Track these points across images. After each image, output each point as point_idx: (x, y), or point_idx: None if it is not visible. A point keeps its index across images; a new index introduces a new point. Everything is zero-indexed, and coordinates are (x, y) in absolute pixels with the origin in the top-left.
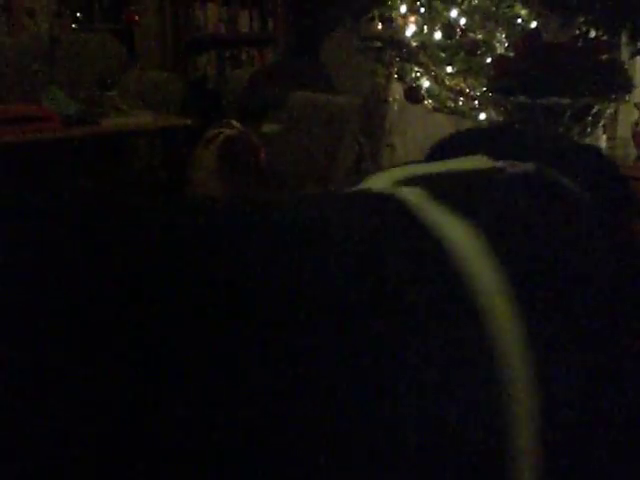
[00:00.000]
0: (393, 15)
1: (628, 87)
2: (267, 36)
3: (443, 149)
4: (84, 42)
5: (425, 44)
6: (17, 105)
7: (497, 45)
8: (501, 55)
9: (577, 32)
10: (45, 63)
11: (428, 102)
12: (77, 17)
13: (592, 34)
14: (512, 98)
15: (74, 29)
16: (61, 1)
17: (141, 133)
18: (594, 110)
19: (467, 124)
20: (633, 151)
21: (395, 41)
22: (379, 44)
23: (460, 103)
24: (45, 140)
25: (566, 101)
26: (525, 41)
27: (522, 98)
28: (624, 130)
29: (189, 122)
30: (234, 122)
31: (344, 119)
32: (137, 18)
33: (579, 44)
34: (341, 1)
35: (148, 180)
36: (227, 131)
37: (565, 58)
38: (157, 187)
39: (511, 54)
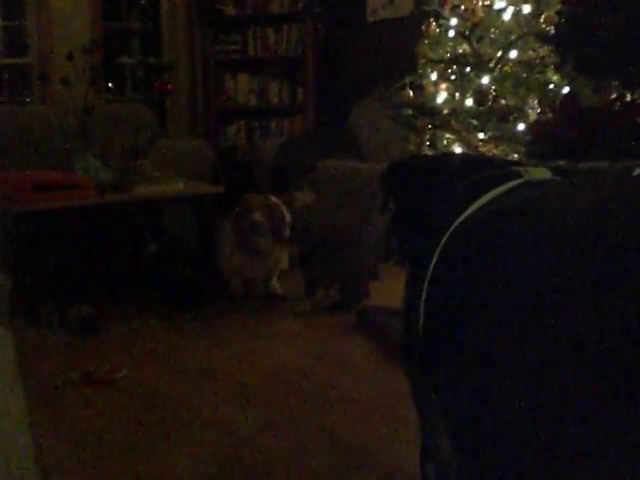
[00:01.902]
0: (424, 83)
1: None
2: (296, 106)
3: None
4: (117, 111)
5: (457, 111)
6: (52, 172)
7: (529, 111)
8: (538, 120)
9: (613, 96)
10: (79, 131)
11: None
12: (109, 87)
13: (628, 97)
14: (551, 163)
15: (106, 98)
16: (95, 71)
17: (173, 200)
18: (635, 173)
19: None
20: None
21: (427, 108)
22: (410, 111)
23: None
24: (80, 207)
25: (605, 164)
26: (563, 105)
27: (561, 162)
28: None
29: (222, 190)
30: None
31: (373, 186)
32: (170, 87)
33: (616, 107)
34: (372, 70)
35: (179, 247)
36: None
37: (603, 121)
38: (188, 253)
39: (546, 119)
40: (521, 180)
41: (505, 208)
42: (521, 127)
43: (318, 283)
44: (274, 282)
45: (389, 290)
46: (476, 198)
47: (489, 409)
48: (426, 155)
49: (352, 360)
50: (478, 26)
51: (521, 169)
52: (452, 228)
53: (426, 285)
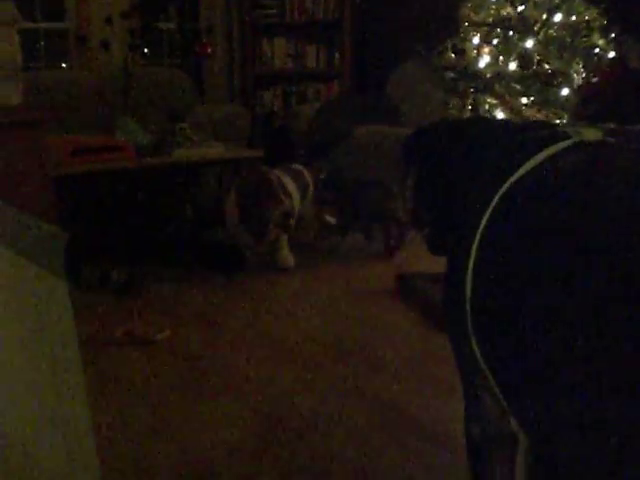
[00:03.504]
0: (466, 46)
1: None
2: (333, 71)
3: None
4: (155, 76)
5: (500, 75)
6: (92, 136)
7: (574, 75)
8: (586, 83)
9: None
10: (118, 96)
11: None
12: (144, 52)
13: None
14: (602, 125)
15: (143, 63)
16: (134, 35)
17: (212, 164)
18: None
19: None
20: None
21: (469, 72)
22: (452, 75)
23: None
24: (120, 170)
25: None
26: (610, 69)
27: (611, 125)
28: None
29: (261, 154)
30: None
31: None
32: (210, 49)
33: None
34: (410, 34)
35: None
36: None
37: None
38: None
39: (594, 81)
40: (573, 140)
41: (566, 168)
42: (565, 92)
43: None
44: (284, 253)
45: (428, 256)
46: (526, 159)
47: (556, 376)
48: (455, 119)
49: (392, 324)
50: None
51: (569, 129)
52: (503, 190)
53: (475, 250)
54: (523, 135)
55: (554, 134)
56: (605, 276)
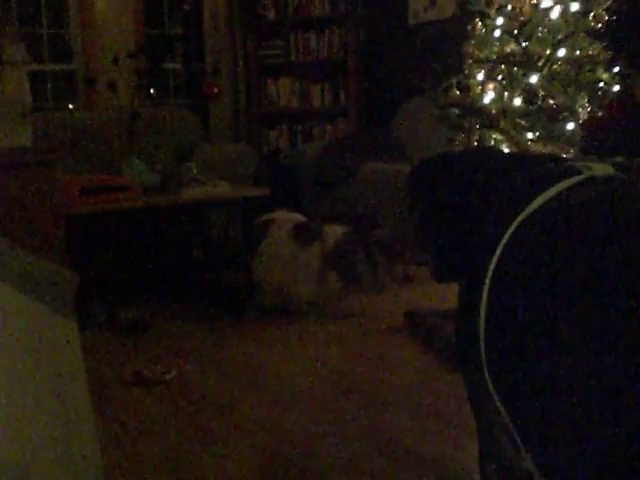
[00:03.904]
0: (471, 83)
1: None
2: (339, 109)
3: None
4: (161, 115)
5: (505, 110)
6: (100, 176)
7: (579, 110)
8: (592, 117)
9: None
10: (125, 136)
11: None
12: (151, 93)
13: None
14: (610, 159)
15: (150, 104)
16: (141, 75)
17: (219, 203)
18: None
19: None
20: None
21: (474, 108)
22: (457, 112)
23: None
24: (127, 210)
25: None
26: (617, 102)
27: (618, 159)
28: None
29: (267, 192)
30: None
31: None
32: (217, 89)
33: None
34: (414, 72)
35: (224, 250)
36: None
37: None
38: (233, 256)
39: (600, 115)
40: (584, 176)
41: (578, 204)
42: (571, 126)
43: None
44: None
45: (436, 292)
46: (537, 194)
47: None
48: (456, 151)
49: (400, 361)
50: (526, 25)
51: (579, 164)
52: (514, 226)
53: (487, 286)
54: (534, 169)
55: (565, 169)
56: (621, 315)
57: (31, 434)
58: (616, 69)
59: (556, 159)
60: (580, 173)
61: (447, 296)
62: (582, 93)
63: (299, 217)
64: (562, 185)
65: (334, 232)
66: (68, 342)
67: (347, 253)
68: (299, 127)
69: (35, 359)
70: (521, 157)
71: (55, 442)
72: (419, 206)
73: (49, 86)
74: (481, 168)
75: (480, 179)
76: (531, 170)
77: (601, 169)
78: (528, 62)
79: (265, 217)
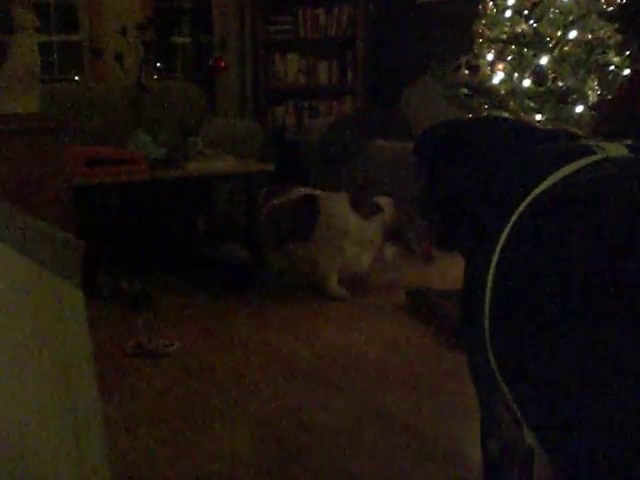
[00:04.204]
0: (480, 63)
1: None
2: (346, 87)
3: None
4: (168, 89)
5: (514, 91)
6: (105, 147)
7: (589, 93)
8: (603, 99)
9: None
10: (131, 108)
11: None
12: (158, 66)
13: None
14: (621, 141)
15: (157, 77)
16: (148, 48)
17: (224, 177)
18: None
19: None
20: None
21: (483, 88)
22: (466, 91)
23: None
24: (132, 182)
25: None
26: (630, 84)
27: (630, 142)
28: None
29: (272, 167)
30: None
31: None
32: (224, 63)
33: None
34: (423, 51)
35: (228, 224)
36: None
37: None
38: (237, 231)
39: (612, 97)
40: (598, 156)
41: (593, 184)
42: (580, 109)
43: None
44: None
45: (438, 272)
46: (551, 172)
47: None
48: (468, 120)
49: (403, 341)
50: (537, 5)
51: (592, 143)
52: (525, 204)
53: (494, 265)
54: (549, 146)
55: (581, 148)
56: (635, 293)
57: (33, 403)
58: (627, 52)
59: (569, 136)
60: (594, 153)
61: (449, 275)
62: (592, 76)
63: (341, 193)
64: (577, 164)
65: (388, 204)
66: (74, 308)
67: (403, 224)
68: (305, 104)
69: (40, 324)
70: (534, 130)
71: (58, 410)
72: (424, 172)
73: (55, 57)
74: (492, 138)
75: (494, 149)
76: (545, 146)
77: (615, 150)
78: (538, 43)
79: (295, 195)
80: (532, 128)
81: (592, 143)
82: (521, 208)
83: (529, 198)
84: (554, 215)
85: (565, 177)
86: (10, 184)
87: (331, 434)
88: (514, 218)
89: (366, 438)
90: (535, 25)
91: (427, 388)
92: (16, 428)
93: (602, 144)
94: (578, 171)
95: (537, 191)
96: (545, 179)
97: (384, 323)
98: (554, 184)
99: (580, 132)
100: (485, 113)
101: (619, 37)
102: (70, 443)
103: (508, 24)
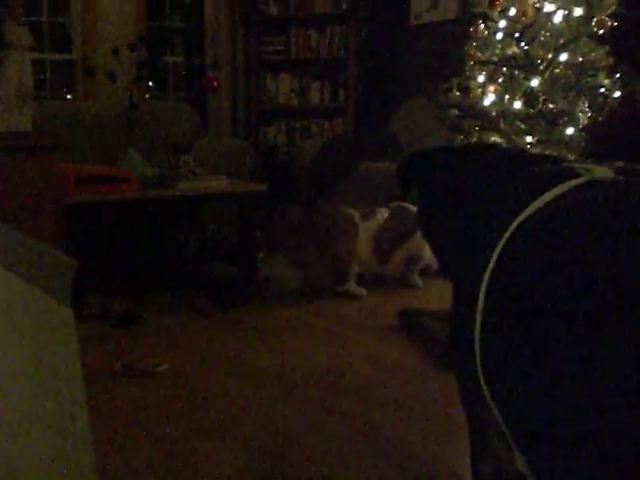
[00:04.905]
0: (472, 84)
1: None
2: (337, 108)
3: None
4: (160, 108)
5: (505, 113)
6: (96, 166)
7: (579, 115)
8: (594, 122)
9: None
10: (123, 127)
11: None
12: (150, 85)
13: None
14: (610, 163)
15: (149, 96)
16: (141, 67)
17: (215, 197)
18: None
19: None
20: None
21: (474, 110)
22: (457, 113)
23: None
24: (123, 201)
25: None
26: (621, 107)
27: (620, 164)
28: None
29: (264, 188)
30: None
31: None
32: (216, 84)
33: None
34: (415, 73)
35: (220, 244)
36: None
37: None
38: (229, 251)
39: (602, 120)
40: (585, 179)
41: (578, 207)
42: (570, 131)
43: None
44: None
45: (430, 293)
46: (537, 196)
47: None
48: (451, 146)
49: (394, 361)
50: (528, 28)
51: (577, 166)
52: (513, 228)
53: (484, 289)
54: (534, 170)
55: (565, 171)
56: (622, 317)
57: (23, 419)
58: (617, 75)
59: (555, 160)
60: (579, 175)
61: (440, 297)
62: (583, 98)
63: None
64: (563, 187)
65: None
66: (64, 326)
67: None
68: (297, 124)
69: (31, 342)
70: (525, 157)
71: (49, 426)
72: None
73: (47, 75)
74: (485, 164)
75: (483, 175)
76: (530, 170)
77: (601, 172)
78: (529, 65)
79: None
80: (524, 154)
81: (578, 166)
82: (506, 235)
83: (514, 225)
84: (538, 241)
85: (549, 202)
86: (2, 202)
87: (321, 454)
88: (501, 244)
89: (356, 458)
90: (526, 47)
91: (418, 409)
92: (5, 444)
93: (588, 166)
94: (563, 195)
95: (522, 217)
96: (529, 204)
97: (375, 343)
98: (538, 209)
99: (570, 155)
100: (476, 135)
101: (610, 60)
102: (59, 458)
103: (499, 46)
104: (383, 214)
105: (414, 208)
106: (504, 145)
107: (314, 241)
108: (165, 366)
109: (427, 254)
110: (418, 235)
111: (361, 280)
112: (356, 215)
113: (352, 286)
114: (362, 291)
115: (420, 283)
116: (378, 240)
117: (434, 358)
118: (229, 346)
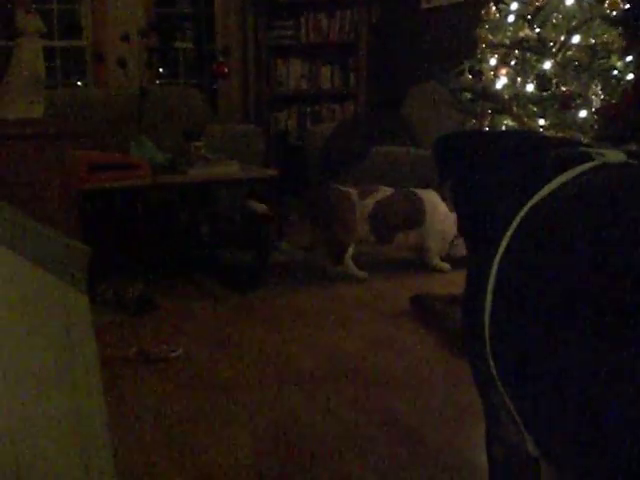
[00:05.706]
0: (484, 67)
1: None
2: (348, 92)
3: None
4: (170, 94)
5: (517, 96)
6: (108, 153)
7: (592, 97)
8: (607, 104)
9: None
10: (134, 113)
11: None
12: (160, 71)
13: None
14: (623, 147)
15: (159, 82)
16: (151, 53)
17: (227, 182)
18: None
19: None
20: None
21: (487, 93)
22: (469, 96)
23: None
24: (135, 187)
25: None
26: (634, 89)
27: (634, 146)
28: None
29: (276, 173)
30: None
31: (427, 172)
32: (227, 69)
33: None
34: (425, 56)
35: (232, 229)
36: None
37: None
38: (240, 235)
39: (615, 102)
40: (597, 162)
41: (590, 191)
42: (583, 114)
43: None
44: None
45: (443, 277)
46: (549, 179)
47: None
48: (477, 130)
49: (407, 346)
50: (541, 10)
51: (591, 150)
52: (524, 211)
53: (494, 272)
54: (546, 153)
55: (578, 155)
56: (635, 298)
57: (39, 407)
58: (630, 57)
59: (570, 143)
60: (592, 159)
61: (453, 281)
62: (595, 81)
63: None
64: (575, 171)
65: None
66: (79, 313)
67: None
68: (308, 109)
69: (46, 330)
70: (538, 140)
71: (64, 415)
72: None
73: (58, 62)
74: (495, 147)
75: (497, 159)
76: (543, 154)
77: (613, 156)
78: (542, 48)
79: (391, 192)
80: (537, 138)
81: (591, 150)
82: (519, 216)
83: (527, 207)
84: (548, 224)
85: (559, 186)
86: (16, 190)
87: (334, 440)
88: (513, 226)
89: (370, 444)
90: (538, 30)
91: (431, 394)
92: (20, 433)
93: (601, 150)
94: (575, 178)
95: (534, 199)
96: (542, 187)
97: (388, 328)
98: (548, 193)
99: (583, 138)
100: (488, 118)
101: (622, 42)
102: (76, 446)
103: (511, 29)
104: (385, 192)
105: (427, 195)
106: (517, 129)
107: (312, 221)
108: (179, 351)
109: (436, 244)
110: (428, 225)
111: (365, 264)
112: (353, 193)
113: (350, 266)
114: (360, 273)
115: (446, 266)
116: (374, 218)
117: (447, 343)
118: (243, 331)
